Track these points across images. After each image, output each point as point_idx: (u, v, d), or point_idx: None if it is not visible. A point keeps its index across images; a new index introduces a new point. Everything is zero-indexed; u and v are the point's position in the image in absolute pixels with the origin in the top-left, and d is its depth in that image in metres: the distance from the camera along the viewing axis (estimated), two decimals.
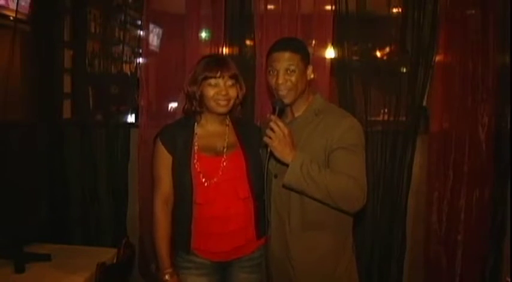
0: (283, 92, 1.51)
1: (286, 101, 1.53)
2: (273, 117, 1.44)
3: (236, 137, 1.67)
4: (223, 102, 1.57)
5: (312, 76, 1.58)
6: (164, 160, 1.60)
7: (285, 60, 1.49)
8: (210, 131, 1.65)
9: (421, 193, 2.51)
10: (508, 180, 2.36)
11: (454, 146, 2.39)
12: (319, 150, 1.49)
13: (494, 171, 2.37)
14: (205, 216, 1.59)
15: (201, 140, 1.62)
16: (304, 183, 1.38)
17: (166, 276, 1.58)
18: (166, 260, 1.59)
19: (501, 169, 2.37)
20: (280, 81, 1.50)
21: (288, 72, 1.50)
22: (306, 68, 1.54)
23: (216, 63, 1.57)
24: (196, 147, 1.60)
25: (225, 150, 1.62)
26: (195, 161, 1.58)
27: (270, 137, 1.41)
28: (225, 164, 1.59)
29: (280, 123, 1.41)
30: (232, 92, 1.59)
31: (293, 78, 1.50)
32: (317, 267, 1.55)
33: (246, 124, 1.77)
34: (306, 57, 1.54)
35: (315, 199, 1.44)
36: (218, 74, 1.55)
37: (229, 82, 1.57)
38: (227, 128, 1.68)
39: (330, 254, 1.56)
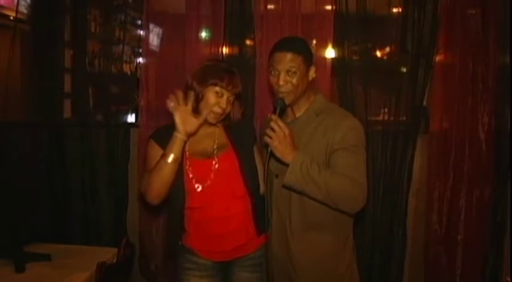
0: (283, 93, 1.50)
1: (286, 101, 1.52)
2: (273, 116, 1.44)
3: (226, 137, 1.66)
4: (217, 113, 1.55)
5: (314, 76, 1.56)
6: (158, 157, 1.58)
7: (287, 61, 1.48)
8: (200, 133, 1.61)
9: (421, 193, 2.51)
10: (508, 180, 2.36)
11: (454, 146, 2.39)
12: (320, 150, 1.48)
13: (495, 171, 2.37)
14: (205, 219, 1.58)
15: (192, 145, 1.60)
16: (304, 183, 1.38)
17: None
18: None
19: (501, 169, 2.37)
20: (281, 82, 1.49)
21: (289, 73, 1.48)
22: (307, 69, 1.52)
23: (229, 75, 1.56)
24: (187, 153, 1.59)
25: (215, 151, 1.61)
26: (187, 166, 1.57)
27: (270, 137, 1.41)
28: (217, 166, 1.58)
29: (281, 123, 1.41)
30: (228, 108, 1.58)
31: (294, 80, 1.48)
32: (317, 267, 1.55)
33: (237, 122, 1.72)
34: (308, 58, 1.53)
35: (315, 199, 1.43)
36: (229, 88, 1.54)
37: (231, 98, 1.57)
38: (217, 129, 1.67)
39: (330, 254, 1.56)
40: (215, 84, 1.53)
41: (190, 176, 1.57)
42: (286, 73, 1.48)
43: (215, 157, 1.59)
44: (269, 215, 1.61)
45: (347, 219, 1.58)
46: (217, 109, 1.54)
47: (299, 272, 1.56)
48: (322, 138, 1.49)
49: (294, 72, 1.48)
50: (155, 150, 1.57)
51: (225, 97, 1.55)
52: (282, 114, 1.50)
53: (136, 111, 2.75)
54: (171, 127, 1.58)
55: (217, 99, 1.54)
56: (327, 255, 1.55)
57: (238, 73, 1.63)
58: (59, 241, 2.29)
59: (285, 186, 1.46)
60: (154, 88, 2.64)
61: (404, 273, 2.54)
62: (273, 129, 1.40)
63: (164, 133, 1.55)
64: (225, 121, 1.66)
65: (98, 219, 2.76)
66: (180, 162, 1.52)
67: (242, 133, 1.68)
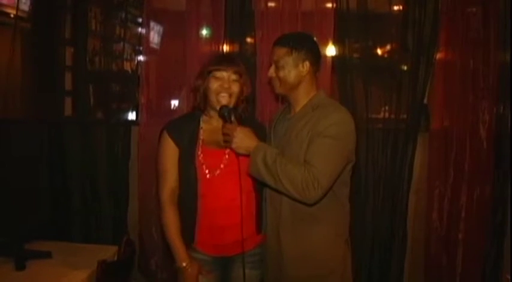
0: (274, 85, 1.59)
1: (277, 92, 1.61)
2: (222, 124, 1.54)
3: None
4: (224, 94, 1.59)
5: (304, 73, 1.55)
6: (171, 152, 1.62)
7: (275, 54, 1.56)
8: (215, 126, 1.66)
9: (421, 191, 2.50)
10: (509, 178, 2.35)
11: (454, 144, 2.39)
12: (304, 140, 1.49)
13: (495, 169, 2.37)
14: (210, 208, 1.60)
15: (206, 134, 1.65)
16: (262, 170, 1.44)
17: (184, 264, 1.57)
18: (183, 251, 1.59)
19: (502, 167, 2.37)
20: (269, 74, 1.58)
21: (277, 66, 1.55)
22: (298, 63, 1.54)
23: (223, 58, 1.65)
24: (201, 141, 1.63)
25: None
26: (199, 153, 1.60)
27: (227, 141, 1.50)
28: (227, 156, 1.60)
29: (228, 126, 1.52)
30: (235, 87, 1.61)
31: (281, 73, 1.55)
32: (306, 258, 1.55)
33: (249, 121, 1.74)
34: (299, 52, 1.53)
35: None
36: (223, 67, 1.59)
37: (233, 76, 1.61)
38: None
39: (321, 246, 1.56)
40: (211, 72, 1.60)
41: (201, 162, 1.59)
42: (275, 65, 1.56)
43: (227, 149, 1.61)
44: (264, 208, 1.66)
45: (341, 213, 1.60)
46: (221, 90, 1.58)
47: (287, 261, 1.57)
48: (309, 129, 1.50)
49: (282, 66, 1.54)
50: (168, 144, 1.62)
51: (225, 77, 1.60)
52: (229, 119, 1.56)
53: (136, 109, 2.75)
54: (185, 118, 1.67)
55: (217, 82, 1.59)
56: (317, 247, 1.55)
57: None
58: (60, 238, 2.30)
59: (251, 176, 1.53)
60: (154, 86, 2.64)
61: (404, 272, 2.54)
62: (225, 135, 1.51)
63: (178, 125, 1.62)
64: (239, 105, 1.67)
65: (98, 217, 2.77)
66: (192, 150, 1.59)
67: (255, 131, 1.69)
